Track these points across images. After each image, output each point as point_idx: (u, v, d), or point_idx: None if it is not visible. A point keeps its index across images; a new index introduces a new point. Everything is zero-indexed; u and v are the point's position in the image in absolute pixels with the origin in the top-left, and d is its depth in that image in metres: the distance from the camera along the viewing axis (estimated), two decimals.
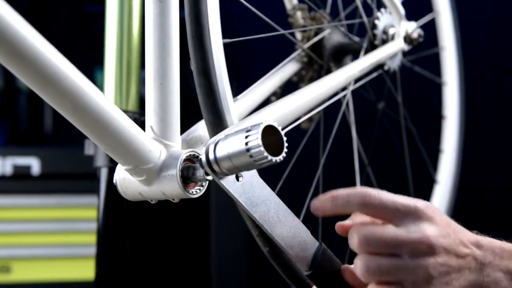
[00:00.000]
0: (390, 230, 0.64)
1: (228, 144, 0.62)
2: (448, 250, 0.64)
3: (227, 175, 0.65)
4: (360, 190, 0.65)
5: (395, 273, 0.63)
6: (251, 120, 0.77)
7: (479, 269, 0.65)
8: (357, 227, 0.66)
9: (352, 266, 0.71)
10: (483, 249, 0.66)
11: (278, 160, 0.60)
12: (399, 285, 0.64)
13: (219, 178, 0.64)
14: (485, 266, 0.65)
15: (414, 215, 0.64)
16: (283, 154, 0.61)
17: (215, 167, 0.63)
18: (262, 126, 0.60)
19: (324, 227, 0.92)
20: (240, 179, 0.67)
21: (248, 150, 0.60)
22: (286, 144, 0.61)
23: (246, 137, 0.60)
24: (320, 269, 0.69)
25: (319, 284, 0.70)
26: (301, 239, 0.70)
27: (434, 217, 0.65)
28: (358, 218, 0.69)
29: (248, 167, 0.62)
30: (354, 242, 0.65)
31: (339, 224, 0.70)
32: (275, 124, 0.61)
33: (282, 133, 0.61)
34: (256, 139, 0.59)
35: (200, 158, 0.64)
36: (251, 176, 0.67)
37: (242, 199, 0.67)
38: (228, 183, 0.66)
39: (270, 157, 0.60)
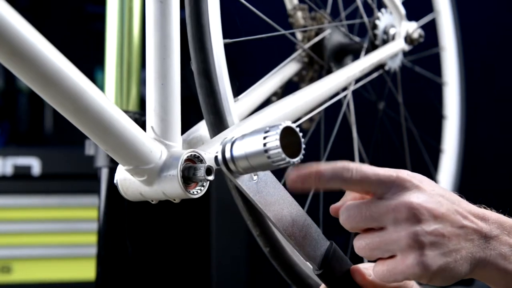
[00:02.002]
0: (372, 203, 0.62)
1: (246, 144, 0.62)
2: (439, 218, 0.61)
3: (242, 174, 0.65)
4: (341, 165, 0.63)
5: (385, 247, 0.62)
6: (252, 120, 0.77)
7: (484, 242, 0.62)
8: (344, 207, 0.65)
9: (360, 265, 0.70)
10: (489, 222, 0.63)
11: (295, 162, 0.60)
12: (394, 256, 0.62)
13: (235, 177, 0.65)
14: (491, 239, 0.62)
15: (399, 186, 0.62)
16: (301, 156, 0.61)
17: (231, 166, 0.63)
18: (281, 127, 0.59)
19: (325, 227, 0.92)
20: (255, 177, 0.67)
21: (266, 151, 0.60)
22: (303, 146, 0.61)
23: (265, 137, 0.60)
24: (330, 268, 0.69)
25: (329, 284, 0.70)
26: (312, 238, 0.70)
27: (422, 186, 0.62)
28: (348, 197, 0.68)
29: (264, 168, 0.62)
30: (342, 222, 0.65)
31: (332, 207, 0.69)
32: (294, 126, 0.61)
33: (300, 134, 0.61)
34: (274, 140, 0.59)
35: (216, 156, 0.64)
36: (265, 175, 0.68)
37: (256, 198, 0.67)
38: (243, 182, 0.66)
39: (288, 159, 0.59)
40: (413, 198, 0.61)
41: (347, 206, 0.65)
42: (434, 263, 0.60)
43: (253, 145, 0.61)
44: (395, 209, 0.61)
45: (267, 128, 0.60)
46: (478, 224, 0.62)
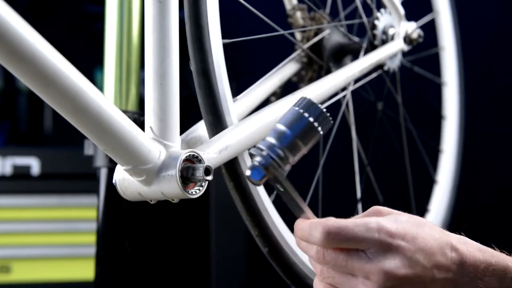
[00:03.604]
0: (349, 258, 0.63)
1: (288, 129, 0.62)
2: (413, 279, 0.62)
3: (290, 163, 0.64)
4: (321, 224, 0.64)
5: (348, 286, 0.64)
6: (251, 120, 0.77)
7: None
8: (321, 252, 0.65)
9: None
10: (465, 266, 0.64)
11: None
12: None
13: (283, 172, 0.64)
14: (460, 285, 0.64)
15: (380, 247, 0.63)
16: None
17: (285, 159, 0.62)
18: (308, 98, 0.61)
19: None
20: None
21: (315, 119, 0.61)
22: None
23: (303, 112, 0.61)
24: None
25: None
26: None
27: (401, 246, 0.63)
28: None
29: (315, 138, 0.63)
30: (314, 260, 0.66)
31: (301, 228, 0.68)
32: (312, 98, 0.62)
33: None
34: (318, 107, 0.62)
35: (264, 160, 0.62)
36: None
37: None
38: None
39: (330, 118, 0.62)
40: (388, 264, 0.62)
41: (325, 252, 0.65)
42: None
43: (298, 123, 0.62)
44: (369, 272, 0.62)
45: (295, 108, 0.62)
46: (452, 271, 0.64)
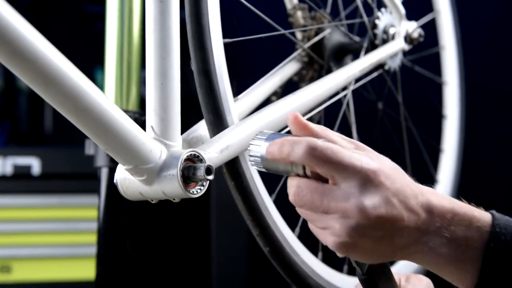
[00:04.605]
0: (327, 194, 0.61)
1: None
2: (387, 220, 0.60)
3: None
4: (306, 140, 0.60)
5: (322, 224, 0.62)
6: (251, 120, 0.77)
7: (420, 236, 0.62)
8: (297, 183, 0.62)
9: None
10: (433, 215, 0.62)
11: None
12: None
13: None
14: (427, 233, 0.62)
15: (361, 180, 0.60)
16: None
17: None
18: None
19: None
20: None
21: None
22: None
23: None
24: (374, 278, 0.69)
25: None
26: None
27: (382, 183, 0.60)
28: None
29: None
30: (290, 196, 0.63)
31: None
32: None
33: None
34: None
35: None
36: None
37: None
38: None
39: None
40: (367, 202, 0.60)
41: (300, 184, 0.62)
42: (352, 253, 0.62)
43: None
44: (346, 210, 0.60)
45: None
46: (420, 220, 0.62)
